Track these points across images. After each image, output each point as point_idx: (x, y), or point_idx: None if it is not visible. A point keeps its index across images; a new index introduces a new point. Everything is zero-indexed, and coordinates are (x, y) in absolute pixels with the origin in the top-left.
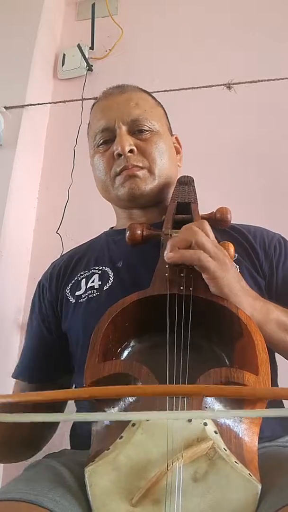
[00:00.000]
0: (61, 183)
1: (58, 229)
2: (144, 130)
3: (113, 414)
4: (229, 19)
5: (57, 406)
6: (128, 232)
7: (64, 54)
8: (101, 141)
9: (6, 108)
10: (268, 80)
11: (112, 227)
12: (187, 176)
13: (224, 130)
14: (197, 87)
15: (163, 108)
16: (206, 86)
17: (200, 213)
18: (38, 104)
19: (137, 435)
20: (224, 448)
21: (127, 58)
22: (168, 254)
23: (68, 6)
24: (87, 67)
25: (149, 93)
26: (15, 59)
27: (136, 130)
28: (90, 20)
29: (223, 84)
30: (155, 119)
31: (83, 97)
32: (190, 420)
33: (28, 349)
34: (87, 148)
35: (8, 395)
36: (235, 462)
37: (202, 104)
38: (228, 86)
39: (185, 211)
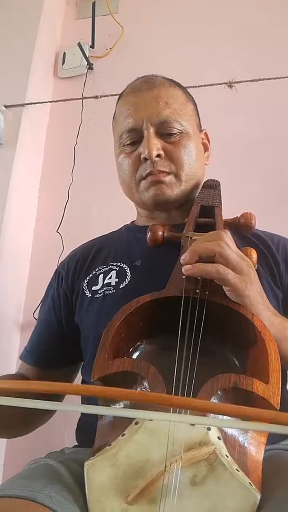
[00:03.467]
0: (62, 182)
1: (58, 228)
2: (173, 133)
3: (118, 410)
4: (230, 17)
5: (54, 395)
6: (149, 233)
7: (64, 53)
8: (128, 141)
9: (6, 106)
10: (269, 79)
11: (133, 221)
12: (214, 180)
13: (226, 129)
14: (198, 86)
15: (194, 102)
16: (207, 85)
17: (224, 218)
18: (39, 102)
19: (138, 434)
20: (226, 455)
21: (128, 56)
22: (185, 267)
23: (68, 4)
24: (88, 66)
25: (180, 86)
26: (15, 58)
27: (164, 132)
28: (91, 18)
29: (225, 83)
30: (185, 119)
31: (84, 95)
32: (193, 424)
33: (36, 333)
34: (88, 147)
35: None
36: (236, 469)
37: (203, 103)
38: (230, 84)
39: (208, 214)
